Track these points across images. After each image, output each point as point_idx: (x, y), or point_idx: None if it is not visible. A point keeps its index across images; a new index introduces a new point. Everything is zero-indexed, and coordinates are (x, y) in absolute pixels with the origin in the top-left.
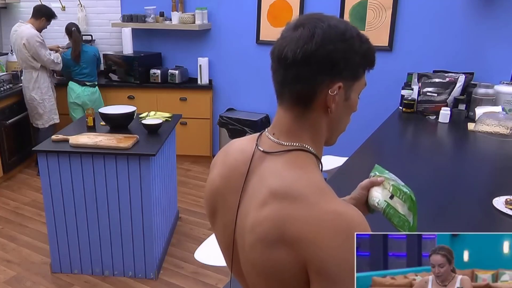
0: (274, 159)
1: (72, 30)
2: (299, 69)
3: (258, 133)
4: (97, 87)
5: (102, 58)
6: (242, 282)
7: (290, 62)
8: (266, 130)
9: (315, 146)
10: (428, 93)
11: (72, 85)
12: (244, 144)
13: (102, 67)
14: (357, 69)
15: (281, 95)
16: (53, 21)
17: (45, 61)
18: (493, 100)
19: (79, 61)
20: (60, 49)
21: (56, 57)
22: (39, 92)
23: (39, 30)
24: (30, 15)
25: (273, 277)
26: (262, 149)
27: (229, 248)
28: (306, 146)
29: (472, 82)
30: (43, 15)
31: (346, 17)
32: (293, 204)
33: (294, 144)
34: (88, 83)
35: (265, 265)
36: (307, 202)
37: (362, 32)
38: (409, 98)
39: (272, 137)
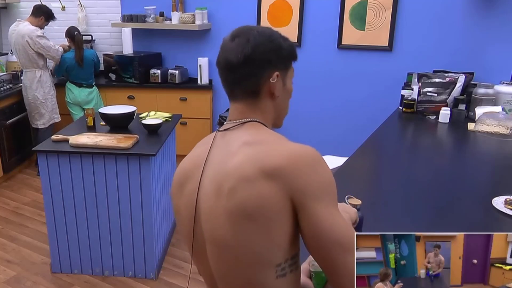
0: (234, 131)
1: (74, 34)
2: (243, 69)
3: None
4: (94, 87)
5: (102, 58)
6: (202, 259)
7: (235, 65)
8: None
9: (265, 124)
10: (428, 93)
11: (69, 85)
12: (208, 136)
13: (102, 67)
14: (286, 61)
15: (232, 93)
16: (53, 21)
17: (51, 52)
18: (493, 100)
19: (83, 64)
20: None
21: (58, 47)
22: (42, 92)
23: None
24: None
25: (257, 213)
26: (221, 130)
27: (192, 220)
28: (258, 120)
29: (472, 82)
30: (42, 14)
31: (346, 17)
32: (263, 146)
33: (248, 119)
34: (84, 85)
35: (249, 202)
36: (273, 143)
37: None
38: (409, 98)
39: (229, 122)
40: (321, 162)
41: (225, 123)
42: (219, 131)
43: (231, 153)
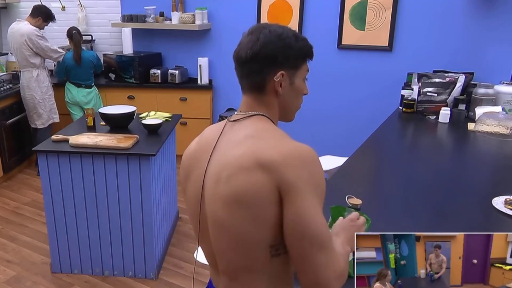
0: (242, 123)
1: (73, 33)
2: (250, 65)
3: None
4: (94, 87)
5: (102, 59)
6: (205, 238)
7: (243, 60)
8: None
9: (271, 118)
10: (428, 93)
11: (68, 85)
12: (216, 124)
13: (102, 67)
14: (296, 61)
15: (242, 85)
16: (52, 22)
17: (49, 52)
18: (493, 100)
19: (80, 63)
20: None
21: (57, 48)
22: (39, 92)
23: None
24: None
25: (248, 200)
26: (231, 120)
27: (198, 201)
28: (264, 114)
29: (472, 82)
30: (40, 15)
31: (346, 17)
32: (264, 140)
33: (255, 112)
34: (83, 85)
35: (242, 189)
36: (273, 140)
37: (299, 33)
38: (409, 98)
39: (239, 113)
40: (315, 162)
41: (235, 113)
42: (229, 121)
43: (235, 144)
